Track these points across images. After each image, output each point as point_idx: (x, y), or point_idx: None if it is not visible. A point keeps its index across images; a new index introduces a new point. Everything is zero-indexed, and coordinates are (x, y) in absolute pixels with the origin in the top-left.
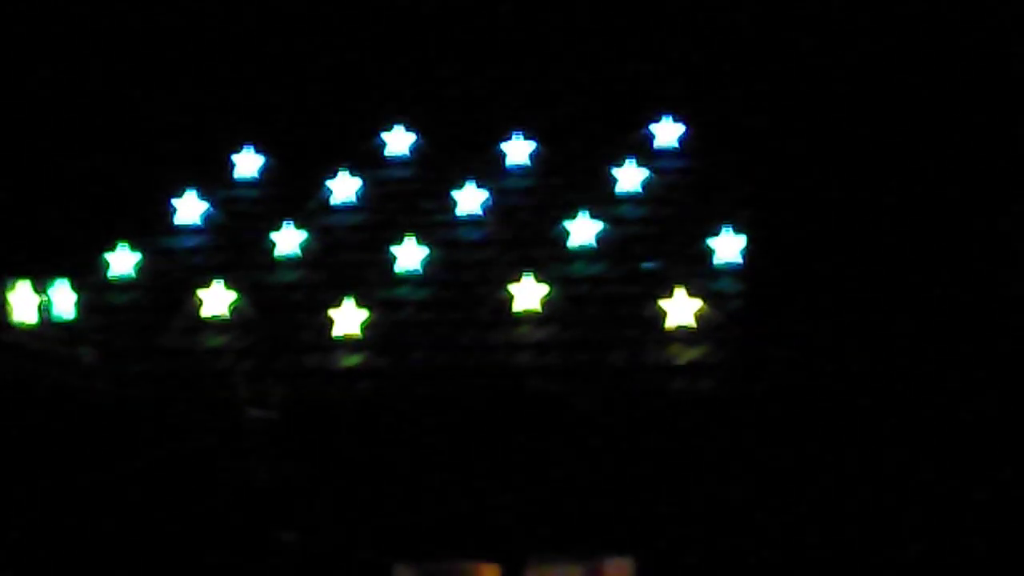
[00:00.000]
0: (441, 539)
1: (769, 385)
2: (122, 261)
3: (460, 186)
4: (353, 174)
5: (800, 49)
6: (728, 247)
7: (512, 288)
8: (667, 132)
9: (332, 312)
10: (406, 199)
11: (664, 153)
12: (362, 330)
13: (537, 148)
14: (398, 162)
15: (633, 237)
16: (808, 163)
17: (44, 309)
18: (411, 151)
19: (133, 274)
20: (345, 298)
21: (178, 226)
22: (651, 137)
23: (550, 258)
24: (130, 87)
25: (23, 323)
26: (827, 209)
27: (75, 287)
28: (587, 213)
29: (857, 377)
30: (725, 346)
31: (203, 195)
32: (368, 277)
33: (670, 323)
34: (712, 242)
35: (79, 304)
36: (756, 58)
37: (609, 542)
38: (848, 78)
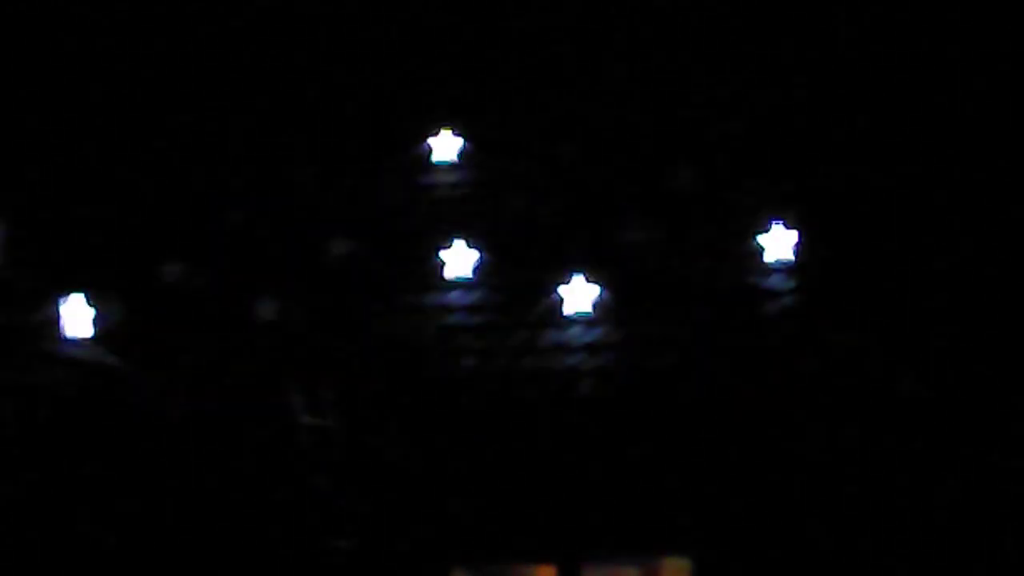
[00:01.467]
0: (497, 542)
1: (824, 383)
2: (174, 273)
3: (508, 189)
4: (404, 177)
5: (843, 39)
6: (779, 243)
7: (563, 290)
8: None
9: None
10: (454, 203)
11: (710, 149)
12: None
13: (584, 149)
14: (446, 167)
15: (683, 236)
16: (858, 156)
17: (97, 322)
18: (459, 155)
19: (183, 285)
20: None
21: (230, 236)
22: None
23: (600, 259)
24: (177, 99)
25: (76, 336)
26: (878, 202)
27: (128, 300)
28: (637, 213)
29: (912, 372)
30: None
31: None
32: (417, 282)
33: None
34: (762, 239)
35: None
36: (801, 51)
37: (666, 542)
38: (893, 68)
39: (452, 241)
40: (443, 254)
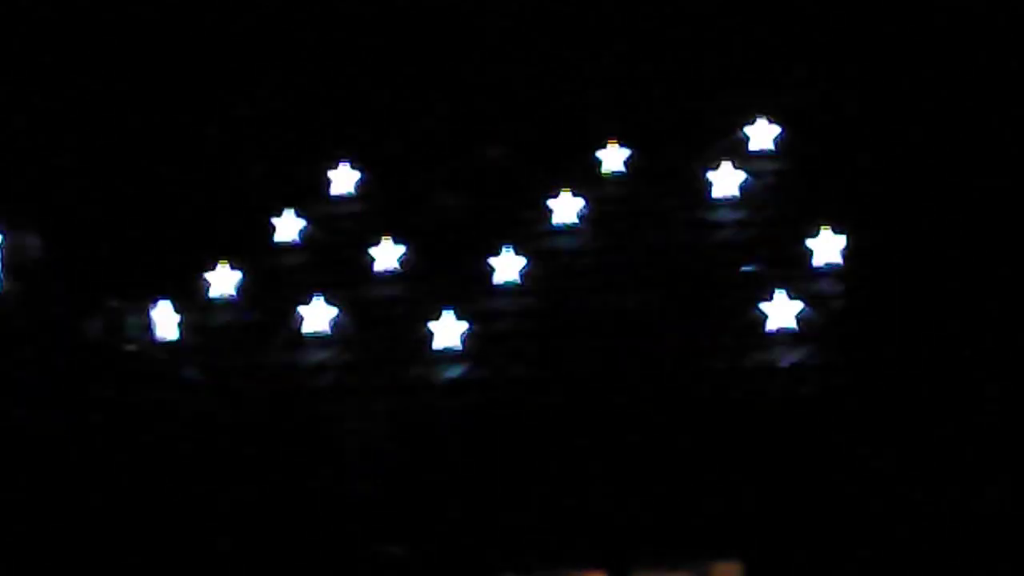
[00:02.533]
0: (546, 548)
1: (872, 387)
2: (222, 280)
3: (556, 195)
4: (449, 187)
5: (894, 44)
6: (828, 248)
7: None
8: (762, 134)
9: (432, 325)
10: (503, 210)
11: (760, 155)
12: (463, 342)
13: (632, 154)
14: (494, 173)
15: (731, 241)
16: (906, 160)
17: (147, 330)
18: (506, 161)
19: (234, 293)
20: (444, 311)
21: (277, 244)
22: (746, 140)
23: (647, 264)
24: (225, 106)
25: (126, 344)
26: (928, 207)
27: (177, 308)
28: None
29: (961, 378)
30: (827, 348)
31: (301, 212)
32: (467, 288)
33: (771, 326)
34: (811, 243)
35: (181, 324)
36: (849, 56)
37: (716, 547)
38: (945, 73)
39: (501, 248)
40: (491, 261)
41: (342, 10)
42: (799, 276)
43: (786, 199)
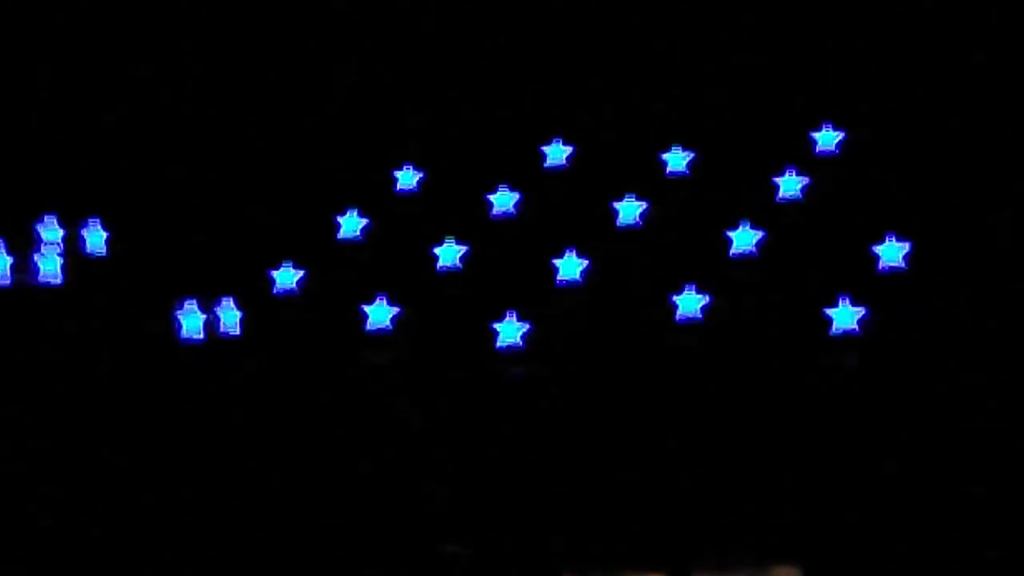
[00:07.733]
0: (607, 549)
1: (936, 393)
2: (286, 278)
3: (619, 197)
4: (511, 188)
5: (959, 51)
6: (891, 253)
7: (673, 298)
8: (827, 139)
9: (495, 324)
10: (566, 211)
11: (825, 160)
12: (525, 342)
13: (696, 157)
14: (557, 175)
15: (795, 245)
16: (971, 166)
17: (211, 326)
18: (570, 163)
19: (297, 291)
20: (507, 311)
21: (341, 242)
22: (812, 144)
23: (710, 268)
24: (290, 107)
25: (190, 340)
26: (991, 212)
27: (241, 304)
28: (748, 222)
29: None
30: (889, 353)
31: (364, 211)
32: (529, 290)
33: (834, 331)
34: (875, 248)
35: (245, 321)
36: (915, 62)
37: (776, 550)
38: (1009, 80)
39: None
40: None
41: (408, 13)
42: (863, 281)
43: (851, 204)
